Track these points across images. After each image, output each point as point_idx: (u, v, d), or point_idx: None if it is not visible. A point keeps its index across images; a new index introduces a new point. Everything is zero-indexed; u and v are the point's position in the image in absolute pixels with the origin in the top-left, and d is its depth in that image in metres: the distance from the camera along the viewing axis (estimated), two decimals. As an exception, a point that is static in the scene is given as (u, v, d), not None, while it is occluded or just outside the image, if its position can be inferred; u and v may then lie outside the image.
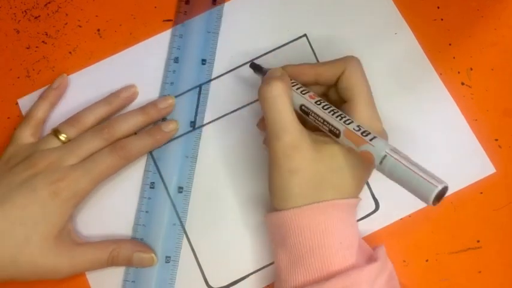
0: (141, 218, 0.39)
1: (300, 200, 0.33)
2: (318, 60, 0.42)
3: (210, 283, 0.39)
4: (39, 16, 0.44)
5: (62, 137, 0.38)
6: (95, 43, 0.43)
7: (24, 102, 0.42)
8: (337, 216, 0.33)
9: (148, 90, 0.42)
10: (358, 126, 0.32)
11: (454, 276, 0.38)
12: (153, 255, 0.38)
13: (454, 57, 0.42)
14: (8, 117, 0.42)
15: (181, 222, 0.39)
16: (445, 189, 0.29)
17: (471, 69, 0.42)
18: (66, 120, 0.39)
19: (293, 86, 0.35)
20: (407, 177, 0.29)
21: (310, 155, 0.33)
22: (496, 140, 0.40)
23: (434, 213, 0.39)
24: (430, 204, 0.29)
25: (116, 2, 0.44)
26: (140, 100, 0.42)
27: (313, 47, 0.42)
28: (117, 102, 0.40)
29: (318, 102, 0.34)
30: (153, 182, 0.40)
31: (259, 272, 0.39)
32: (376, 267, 0.33)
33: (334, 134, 0.33)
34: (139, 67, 0.42)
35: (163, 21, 0.43)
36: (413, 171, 0.29)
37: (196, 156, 0.41)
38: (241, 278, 0.39)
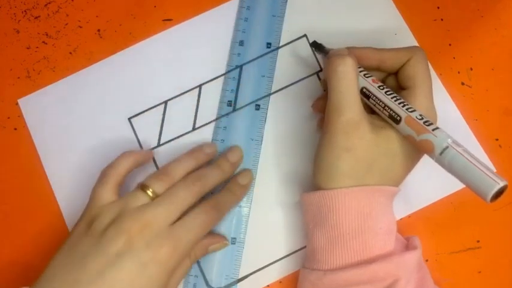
0: None
1: (348, 181, 0.33)
2: (318, 61, 0.42)
3: (210, 283, 0.39)
4: (39, 16, 0.44)
5: (150, 192, 0.34)
6: (95, 43, 0.43)
7: (24, 102, 0.42)
8: (381, 201, 0.33)
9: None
10: (420, 115, 0.32)
11: (454, 276, 0.38)
12: (225, 241, 0.38)
13: (454, 57, 0.42)
14: (8, 117, 0.42)
15: (239, 206, 0.40)
16: (504, 187, 0.28)
17: (471, 69, 0.42)
18: (154, 174, 0.36)
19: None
20: (467, 171, 0.29)
21: (368, 136, 0.33)
22: (496, 140, 0.40)
23: (434, 213, 0.39)
24: (488, 200, 0.28)
25: (116, 2, 0.44)
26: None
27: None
28: (202, 158, 0.38)
29: (381, 87, 0.34)
30: None
31: (259, 271, 0.39)
32: (416, 255, 0.33)
33: (394, 119, 0.33)
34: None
35: (163, 20, 0.43)
36: (475, 165, 0.29)
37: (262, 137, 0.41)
38: (241, 278, 0.39)
